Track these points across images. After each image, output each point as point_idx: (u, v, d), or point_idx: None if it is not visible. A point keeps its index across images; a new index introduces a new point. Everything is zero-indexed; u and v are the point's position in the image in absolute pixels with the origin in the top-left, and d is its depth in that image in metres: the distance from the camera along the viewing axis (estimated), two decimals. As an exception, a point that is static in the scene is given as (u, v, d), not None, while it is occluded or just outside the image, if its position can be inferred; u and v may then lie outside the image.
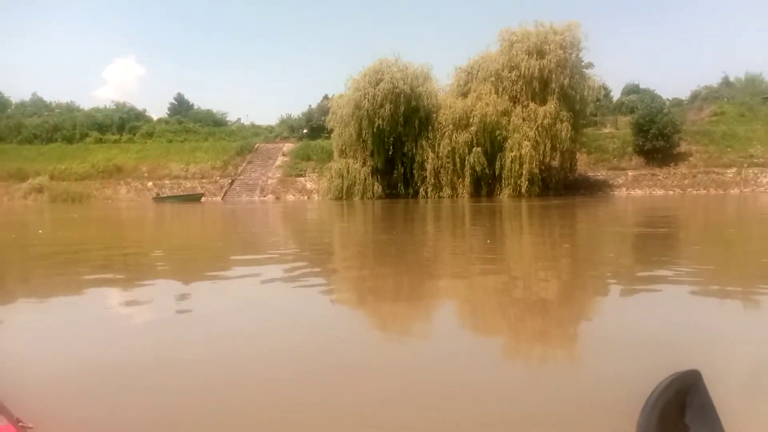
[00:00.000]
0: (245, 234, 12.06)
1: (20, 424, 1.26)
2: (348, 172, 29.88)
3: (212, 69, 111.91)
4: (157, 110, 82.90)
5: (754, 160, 33.52)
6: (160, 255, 7.89)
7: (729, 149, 34.92)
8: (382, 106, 28.42)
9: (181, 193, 36.86)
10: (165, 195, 36.01)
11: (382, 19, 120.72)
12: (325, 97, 48.80)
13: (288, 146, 43.14)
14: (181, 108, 58.81)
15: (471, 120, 28.15)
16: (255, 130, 51.16)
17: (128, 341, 3.05)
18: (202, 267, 6.63)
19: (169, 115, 57.21)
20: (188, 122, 53.35)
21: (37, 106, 54.85)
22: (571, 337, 3.36)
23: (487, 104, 27.89)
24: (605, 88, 44.63)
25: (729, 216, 15.18)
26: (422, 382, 2.41)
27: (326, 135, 46.56)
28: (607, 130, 41.15)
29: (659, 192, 33.07)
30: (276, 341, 3.10)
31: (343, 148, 31.17)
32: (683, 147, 35.57)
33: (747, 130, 36.54)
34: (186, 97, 60.46)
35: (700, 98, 49.61)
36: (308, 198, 36.28)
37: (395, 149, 29.78)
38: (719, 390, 1.00)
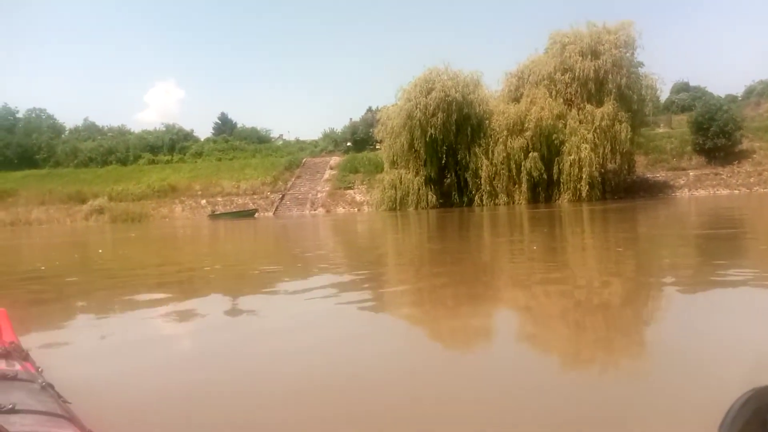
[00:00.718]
0: (319, 248, 11.93)
1: None
2: (401, 182, 29.73)
3: (251, 87, 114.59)
4: (202, 130, 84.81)
5: (825, 155, 31.89)
6: (255, 274, 7.78)
7: (795, 144, 33.35)
8: (434, 115, 28.24)
9: (234, 210, 37.41)
10: (219, 212, 36.60)
11: (425, 30, 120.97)
12: (369, 110, 49.13)
13: (335, 160, 43.37)
14: (225, 127, 59.94)
15: (526, 125, 27.66)
16: (300, 146, 51.75)
17: (199, 360, 3.03)
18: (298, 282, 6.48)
19: (214, 134, 58.46)
20: (234, 140, 54.41)
21: (90, 130, 56.75)
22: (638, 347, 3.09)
23: (542, 108, 27.37)
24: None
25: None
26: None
27: (371, 147, 46.88)
28: (661, 130, 39.92)
29: (724, 191, 31.75)
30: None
31: (394, 158, 31.06)
32: (745, 144, 34.13)
33: (813, 123, 34.86)
34: (229, 116, 61.74)
35: (756, 93, 47.79)
36: (358, 210, 36.28)
37: (448, 158, 29.51)
38: None
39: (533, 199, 28.18)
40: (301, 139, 55.80)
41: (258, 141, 55.89)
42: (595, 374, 2.68)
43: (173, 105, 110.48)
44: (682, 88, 53.86)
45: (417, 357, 2.97)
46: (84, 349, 3.37)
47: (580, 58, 28.14)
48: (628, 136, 27.73)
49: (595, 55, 28.16)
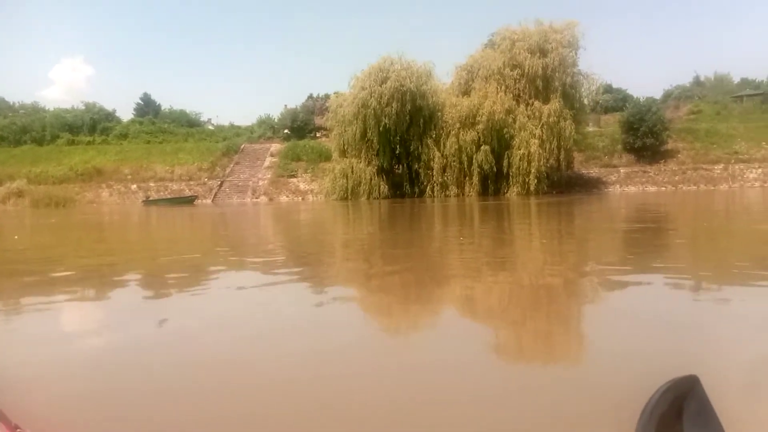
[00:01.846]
0: (305, 241, 11.52)
1: (18, 430, 1.26)
2: (352, 171, 29.36)
3: (174, 69, 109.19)
4: (121, 111, 79.64)
5: (740, 156, 34.79)
6: (185, 266, 7.35)
7: (714, 146, 36.13)
8: (388, 104, 28.06)
9: (170, 196, 35.53)
10: (154, 198, 34.62)
11: (368, 19, 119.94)
12: (311, 97, 48.21)
13: (275, 147, 42.21)
14: (148, 108, 56.66)
15: (478, 118, 28.10)
16: (235, 131, 49.87)
17: (116, 354, 3.00)
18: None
19: (136, 115, 55.15)
20: (161, 123, 51.65)
21: (0, 107, 51.84)
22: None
23: (494, 102, 27.91)
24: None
25: (734, 210, 15.78)
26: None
27: (312, 135, 46.06)
28: (591, 129, 41.96)
29: (652, 188, 33.91)
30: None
31: (345, 147, 30.60)
32: (670, 144, 36.59)
33: (728, 127, 37.90)
34: (152, 97, 58.38)
35: (674, 97, 51.29)
36: (302, 199, 35.56)
37: (401, 148, 29.45)
38: (719, 393, 0.97)
39: (483, 192, 28.75)
40: (234, 124, 53.93)
41: (188, 124, 53.35)
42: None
43: (81, 82, 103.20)
44: (605, 89, 56.71)
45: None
46: (9, 342, 3.37)
47: (529, 55, 28.90)
48: (572, 133, 28.86)
49: (543, 52, 29.03)
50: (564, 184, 31.54)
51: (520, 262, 6.58)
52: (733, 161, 34.58)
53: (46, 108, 52.48)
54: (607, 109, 47.95)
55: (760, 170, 33.78)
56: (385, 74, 28.66)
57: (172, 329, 3.59)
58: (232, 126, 52.00)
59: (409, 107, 28.49)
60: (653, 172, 35.15)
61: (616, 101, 48.19)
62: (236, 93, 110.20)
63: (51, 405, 2.19)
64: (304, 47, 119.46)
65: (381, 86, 28.25)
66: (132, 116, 54.22)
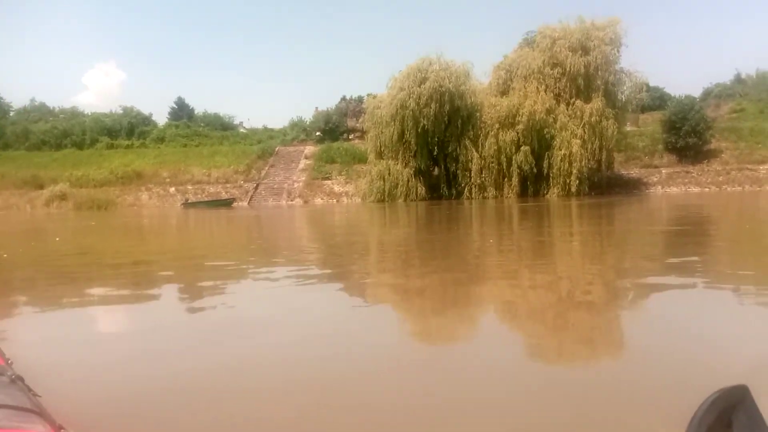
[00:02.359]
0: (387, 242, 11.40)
1: (62, 431, 1.28)
2: (389, 173, 29.22)
3: (205, 72, 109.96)
4: (156, 115, 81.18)
5: (787, 156, 33.65)
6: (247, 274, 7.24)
7: (759, 145, 34.99)
8: (427, 105, 27.86)
9: (207, 199, 35.93)
10: (193, 201, 35.06)
11: (399, 21, 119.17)
12: (343, 99, 48.24)
13: (309, 149, 42.37)
14: (182, 112, 57.41)
15: (518, 118, 27.73)
16: (269, 134, 50.28)
17: (168, 356, 3.04)
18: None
19: (170, 119, 55.98)
20: (196, 126, 52.43)
21: (41, 111, 53.18)
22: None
23: (535, 102, 27.51)
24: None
25: None
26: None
27: (345, 137, 46.13)
28: (629, 128, 41.09)
29: (695, 189, 33.00)
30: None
31: (381, 149, 30.50)
32: (713, 144, 35.57)
33: (773, 125, 36.70)
34: (186, 101, 59.11)
35: (713, 96, 49.93)
36: (337, 201, 35.60)
37: (439, 149, 29.23)
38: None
39: (522, 193, 28.35)
40: (267, 127, 54.35)
41: (222, 128, 54.03)
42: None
43: (114, 87, 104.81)
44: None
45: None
46: (53, 342, 3.40)
47: (570, 53, 28.43)
48: (615, 133, 28.28)
49: (585, 51, 28.53)
50: (604, 186, 30.88)
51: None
52: (779, 161, 33.46)
53: (85, 112, 53.68)
54: (644, 108, 46.97)
55: (808, 170, 32.59)
56: (423, 74, 28.48)
57: (209, 334, 3.56)
58: (265, 129, 52.41)
59: (448, 108, 28.25)
60: (696, 173, 34.21)
61: (653, 100, 47.01)
62: (268, 96, 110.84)
63: (94, 406, 2.21)
64: (335, 49, 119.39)
65: (420, 87, 28.08)
66: (167, 120, 55.12)
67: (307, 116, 52.06)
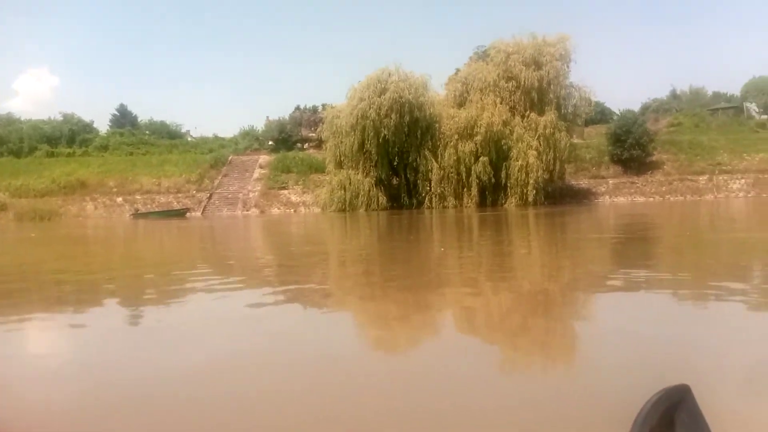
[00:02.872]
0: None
1: None
2: (350, 183, 29.16)
3: (140, 79, 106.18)
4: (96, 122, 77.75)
5: (723, 167, 35.82)
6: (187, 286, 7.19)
7: (697, 157, 37.12)
8: (387, 115, 28.07)
9: (158, 209, 34.74)
10: (143, 211, 33.81)
11: (349, 32, 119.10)
12: (297, 108, 47.86)
13: (264, 158, 41.70)
14: (124, 120, 55.44)
15: (476, 129, 28.31)
16: (220, 142, 49.18)
17: (108, 368, 3.08)
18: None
19: (111, 126, 53.92)
20: (141, 134, 50.76)
21: (-27, 117, 50.08)
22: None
23: (492, 114, 28.16)
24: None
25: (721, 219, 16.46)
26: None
27: (300, 147, 45.72)
28: (575, 140, 42.71)
29: (640, 199, 34.60)
30: None
31: (341, 159, 30.44)
32: (655, 156, 37.45)
33: (710, 139, 39.02)
34: (128, 108, 56.98)
35: (651, 110, 52.65)
36: (294, 211, 35.19)
37: (399, 160, 29.44)
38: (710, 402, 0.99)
39: (481, 203, 28.89)
40: (218, 135, 53.20)
41: (169, 136, 52.47)
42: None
43: (47, 93, 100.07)
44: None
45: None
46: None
47: (524, 68, 29.33)
48: (567, 145, 29.31)
49: (538, 65, 29.51)
50: (557, 195, 31.92)
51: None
52: (717, 172, 35.57)
53: (22, 119, 50.90)
54: (587, 122, 48.95)
55: (743, 181, 34.81)
56: (383, 85, 28.69)
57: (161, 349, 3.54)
58: (216, 137, 51.29)
59: (408, 118, 28.56)
60: (641, 183, 35.89)
61: (595, 114, 49.17)
62: (215, 104, 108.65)
63: (40, 420, 2.27)
64: (286, 58, 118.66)
65: (380, 97, 28.26)
66: (108, 127, 53.01)
67: (258, 125, 51.42)
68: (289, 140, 45.71)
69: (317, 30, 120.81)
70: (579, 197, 34.29)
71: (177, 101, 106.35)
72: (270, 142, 46.79)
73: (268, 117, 51.98)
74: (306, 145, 46.27)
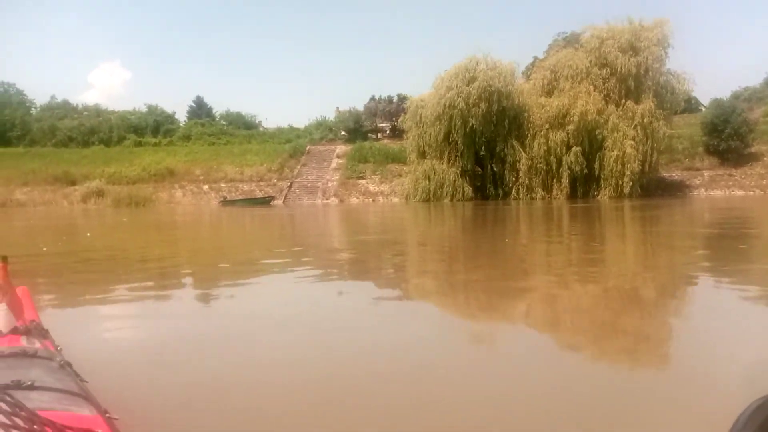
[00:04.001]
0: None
1: (107, 415, 1.31)
2: (435, 173, 28.87)
3: (212, 72, 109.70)
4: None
5: (829, 159, 33.24)
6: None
7: (800, 149, 34.61)
8: (476, 105, 27.55)
9: (242, 197, 35.63)
10: (228, 198, 34.77)
11: (418, 22, 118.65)
12: (372, 99, 47.85)
13: (341, 148, 42.04)
14: (201, 111, 57.06)
15: (568, 119, 27.37)
16: (296, 133, 49.94)
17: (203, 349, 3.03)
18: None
19: (188, 117, 55.62)
20: (219, 125, 52.29)
21: (65, 108, 52.94)
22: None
23: (587, 102, 27.13)
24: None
25: None
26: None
27: (375, 137, 45.79)
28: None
29: (739, 192, 32.59)
30: None
31: (424, 148, 30.18)
32: (754, 147, 35.18)
33: (811, 129, 36.28)
34: (204, 99, 58.50)
35: (743, 99, 49.52)
36: (373, 200, 35.27)
37: (486, 150, 28.90)
38: None
39: (572, 194, 27.98)
40: (293, 126, 54.04)
41: (245, 127, 53.79)
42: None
43: (119, 87, 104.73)
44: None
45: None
46: (99, 330, 3.49)
47: (620, 54, 28.05)
48: (666, 135, 27.92)
49: (635, 51, 28.16)
50: (651, 188, 30.46)
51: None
52: (822, 164, 33.05)
53: (109, 109, 53.39)
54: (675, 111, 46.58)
55: None
56: (471, 74, 28.17)
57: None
58: (291, 128, 52.10)
59: (496, 107, 27.95)
60: (739, 176, 33.80)
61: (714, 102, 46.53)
62: (284, 95, 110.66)
63: (140, 391, 2.26)
64: (356, 49, 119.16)
65: (468, 86, 27.76)
66: (185, 118, 54.76)
67: (328, 115, 51.88)
68: (361, 130, 45.85)
69: (387, 21, 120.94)
70: (672, 190, 32.62)
71: (248, 93, 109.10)
72: (342, 132, 47.13)
73: (338, 108, 52.45)
74: (379, 135, 46.32)
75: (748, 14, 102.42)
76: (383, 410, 2.15)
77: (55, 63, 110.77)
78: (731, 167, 34.33)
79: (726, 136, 34.06)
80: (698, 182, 33.79)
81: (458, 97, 27.59)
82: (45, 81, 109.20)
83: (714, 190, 33.12)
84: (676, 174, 34.43)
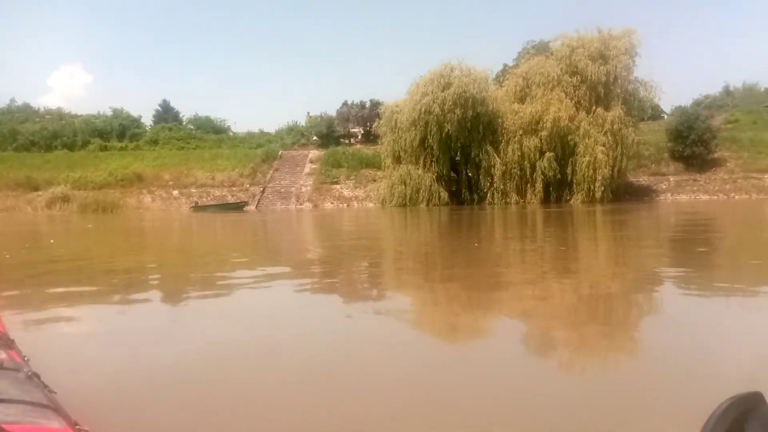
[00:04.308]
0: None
1: (77, 427, 1.28)
2: (410, 178, 28.96)
3: (178, 76, 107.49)
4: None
5: (788, 165, 34.64)
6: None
7: (761, 155, 35.95)
8: (451, 110, 27.76)
9: (213, 202, 35.05)
10: (200, 204, 34.14)
11: (387, 28, 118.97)
12: (345, 104, 47.72)
13: (314, 153, 41.81)
14: (167, 115, 55.94)
15: (541, 125, 27.83)
16: (266, 137, 49.44)
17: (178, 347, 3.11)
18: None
19: (154, 122, 54.48)
20: (186, 129, 51.40)
21: (26, 112, 51.26)
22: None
23: (559, 109, 27.63)
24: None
25: None
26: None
27: (347, 142, 45.69)
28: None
29: (703, 197, 33.65)
30: None
31: (399, 154, 30.26)
32: (717, 153, 36.38)
33: (771, 136, 37.77)
34: (170, 104, 57.27)
35: (704, 107, 51.25)
36: (347, 206, 35.13)
37: (461, 155, 29.14)
38: None
39: (545, 199, 28.43)
40: (263, 131, 53.45)
41: (213, 131, 52.97)
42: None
43: (80, 90, 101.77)
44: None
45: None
46: (65, 340, 3.47)
47: (590, 62, 28.70)
48: (635, 141, 28.64)
49: (604, 59, 28.85)
50: (620, 192, 31.15)
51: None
52: (782, 169, 34.41)
53: (73, 113, 51.91)
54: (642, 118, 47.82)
55: (812, 179, 33.61)
56: (446, 80, 28.41)
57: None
58: (262, 132, 51.56)
59: (471, 113, 28.22)
60: (703, 181, 34.92)
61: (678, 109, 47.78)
62: (254, 100, 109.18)
63: (110, 404, 2.23)
64: (325, 56, 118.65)
65: (443, 92, 27.98)
66: (151, 122, 53.59)
67: (299, 120, 51.59)
68: (333, 135, 45.72)
69: (356, 28, 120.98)
70: (639, 195, 33.45)
71: (215, 97, 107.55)
72: (314, 137, 46.89)
73: (308, 113, 52.24)
74: (352, 140, 46.26)
75: (707, 25, 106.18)
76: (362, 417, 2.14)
77: (12, 65, 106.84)
78: (695, 172, 35.44)
79: (690, 143, 35.16)
80: (664, 187, 34.77)
81: (434, 102, 27.78)
82: (1, 83, 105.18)
83: (680, 195, 34.11)
84: (643, 179, 35.34)
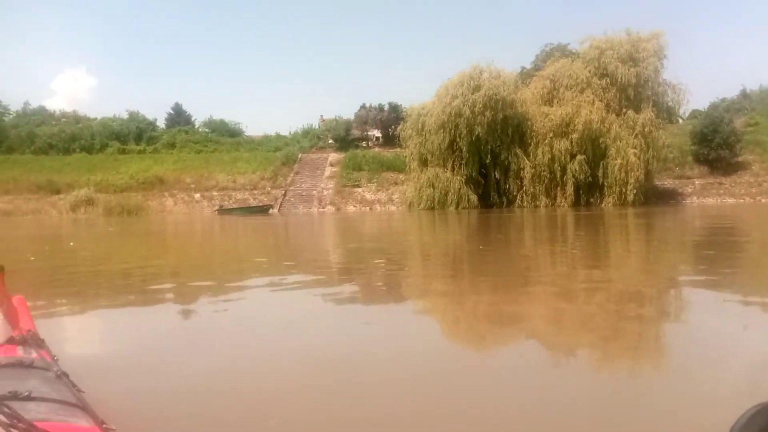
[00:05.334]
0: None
1: (105, 426, 1.31)
2: (439, 181, 28.78)
3: (185, 79, 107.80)
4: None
5: (814, 168, 34.41)
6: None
7: (786, 158, 35.75)
8: (482, 113, 27.61)
9: (236, 205, 34.91)
10: (225, 207, 34.03)
11: (400, 33, 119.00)
12: (363, 107, 47.51)
13: (333, 156, 41.67)
14: (179, 118, 55.83)
15: (572, 127, 27.65)
16: (284, 140, 49.27)
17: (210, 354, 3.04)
18: None
19: (166, 125, 54.34)
20: (202, 132, 51.30)
21: (42, 115, 51.19)
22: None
23: (590, 112, 27.46)
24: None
25: None
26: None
27: (365, 145, 45.47)
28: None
29: (730, 200, 33.42)
30: None
31: (425, 157, 30.09)
32: (741, 156, 36.16)
33: (794, 139, 37.55)
34: (183, 107, 57.09)
35: (721, 110, 50.99)
36: (370, 209, 34.96)
37: (490, 158, 28.96)
38: None
39: (575, 202, 28.22)
40: (279, 134, 53.30)
41: (229, 134, 52.84)
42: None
43: (83, 93, 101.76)
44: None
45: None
46: (96, 340, 3.53)
47: (620, 64, 28.54)
48: (665, 144, 28.44)
49: (634, 62, 28.69)
50: (648, 196, 30.93)
51: None
52: (809, 173, 34.19)
53: (90, 117, 51.80)
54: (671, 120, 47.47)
55: (838, 182, 33.37)
56: (476, 82, 28.28)
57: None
58: (279, 136, 51.37)
59: (500, 116, 28.06)
60: (729, 184, 34.68)
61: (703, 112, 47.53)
62: (265, 103, 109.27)
63: (139, 402, 2.23)
64: (340, 58, 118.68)
65: (473, 94, 27.82)
66: (163, 126, 53.43)
67: (313, 123, 51.47)
68: (348, 138, 45.52)
69: (368, 32, 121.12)
70: (665, 198, 33.22)
71: (226, 101, 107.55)
72: (330, 140, 46.70)
73: (322, 116, 52.13)
74: (370, 143, 46.06)
75: (720, 28, 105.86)
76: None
77: (16, 68, 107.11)
78: (721, 176, 35.21)
79: (715, 146, 34.94)
80: (690, 190, 34.53)
81: (464, 105, 27.63)
82: (7, 87, 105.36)
83: (706, 198, 33.88)
84: (668, 182, 35.10)
